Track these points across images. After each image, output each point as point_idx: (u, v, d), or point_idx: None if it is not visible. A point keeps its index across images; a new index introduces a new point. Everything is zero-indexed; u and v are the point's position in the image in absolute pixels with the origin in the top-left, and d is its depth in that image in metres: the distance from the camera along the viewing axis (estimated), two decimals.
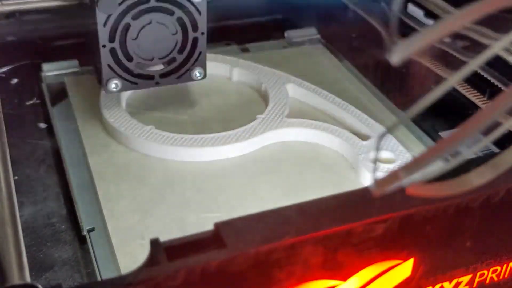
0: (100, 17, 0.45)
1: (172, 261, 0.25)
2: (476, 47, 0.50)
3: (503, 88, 0.50)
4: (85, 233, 0.42)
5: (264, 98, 0.55)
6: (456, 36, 0.51)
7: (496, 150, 0.48)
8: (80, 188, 0.46)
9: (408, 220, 0.28)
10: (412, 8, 0.61)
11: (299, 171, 0.48)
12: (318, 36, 0.66)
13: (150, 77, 0.50)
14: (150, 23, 0.47)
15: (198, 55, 0.50)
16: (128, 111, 0.52)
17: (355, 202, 0.29)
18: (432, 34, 0.21)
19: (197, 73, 0.51)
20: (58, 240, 0.42)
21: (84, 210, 0.44)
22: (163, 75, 0.50)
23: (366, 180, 0.47)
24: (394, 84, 0.60)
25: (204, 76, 0.51)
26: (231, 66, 0.58)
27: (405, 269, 0.30)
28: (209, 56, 0.59)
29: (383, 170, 0.45)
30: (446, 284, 0.32)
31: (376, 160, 0.45)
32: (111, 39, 0.47)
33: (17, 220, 0.34)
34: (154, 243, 0.26)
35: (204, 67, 0.51)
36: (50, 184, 0.47)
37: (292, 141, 0.51)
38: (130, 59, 0.48)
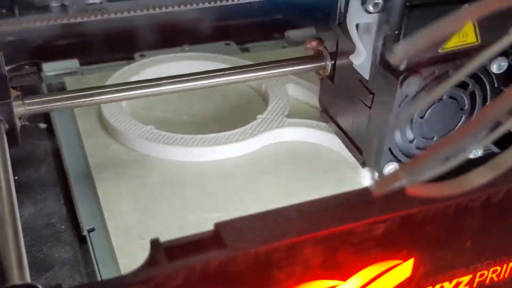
0: (399, 97, 0.40)
1: (172, 261, 0.25)
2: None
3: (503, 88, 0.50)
4: (85, 233, 0.42)
5: (264, 98, 0.55)
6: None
7: (496, 150, 0.48)
8: (80, 188, 0.46)
9: (408, 220, 0.28)
10: None
11: (299, 171, 0.48)
12: None
13: None
14: (441, 98, 0.41)
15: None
16: (128, 111, 0.52)
17: (355, 202, 0.28)
18: (432, 34, 0.21)
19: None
20: (58, 240, 0.42)
21: (84, 210, 0.44)
22: None
23: (366, 180, 0.47)
24: None
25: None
26: (231, 66, 0.58)
27: (405, 269, 0.30)
28: (209, 56, 0.60)
29: None
30: (446, 284, 0.32)
31: None
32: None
33: (17, 220, 0.33)
34: (154, 243, 0.26)
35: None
36: (50, 184, 0.47)
37: (292, 141, 0.51)
38: (412, 140, 0.43)
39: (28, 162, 0.49)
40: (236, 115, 0.54)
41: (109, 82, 0.54)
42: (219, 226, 0.27)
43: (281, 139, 0.51)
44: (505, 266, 0.33)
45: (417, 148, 0.43)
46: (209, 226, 0.27)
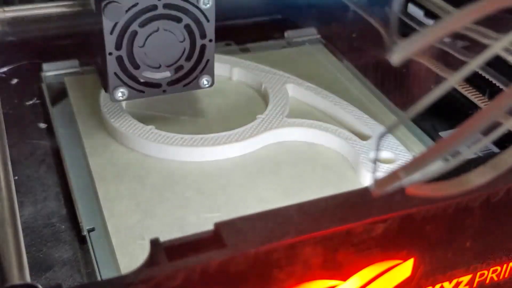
0: (107, 25, 0.45)
1: (172, 261, 0.25)
2: (476, 47, 0.50)
3: (503, 88, 0.50)
4: (85, 233, 0.42)
5: (264, 98, 0.55)
6: (456, 36, 0.51)
7: (496, 150, 0.48)
8: (80, 188, 0.46)
9: (408, 220, 0.28)
10: (412, 8, 0.61)
11: (299, 171, 0.48)
12: (318, 36, 0.66)
13: (157, 85, 0.49)
14: (157, 30, 0.46)
15: (206, 62, 0.49)
16: (128, 111, 0.52)
17: (355, 202, 0.29)
18: (432, 34, 0.21)
19: (204, 81, 0.50)
20: (58, 240, 0.42)
21: (84, 210, 0.44)
22: (170, 83, 0.49)
23: (366, 180, 0.47)
24: (394, 84, 0.60)
25: (212, 84, 0.50)
26: (231, 66, 0.58)
27: (405, 269, 0.30)
28: None
29: (383, 170, 0.45)
30: (446, 284, 0.32)
31: (376, 160, 0.45)
32: (118, 46, 0.46)
33: (17, 220, 0.34)
34: (154, 243, 0.26)
35: (212, 74, 0.50)
36: (50, 184, 0.47)
37: (292, 141, 0.51)
38: (137, 67, 0.47)
39: (28, 162, 0.49)
40: (236, 115, 0.54)
41: None
42: (219, 226, 0.27)
43: (281, 139, 0.51)
44: (505, 266, 0.33)
45: (144, 75, 0.48)
46: (209, 226, 0.27)
